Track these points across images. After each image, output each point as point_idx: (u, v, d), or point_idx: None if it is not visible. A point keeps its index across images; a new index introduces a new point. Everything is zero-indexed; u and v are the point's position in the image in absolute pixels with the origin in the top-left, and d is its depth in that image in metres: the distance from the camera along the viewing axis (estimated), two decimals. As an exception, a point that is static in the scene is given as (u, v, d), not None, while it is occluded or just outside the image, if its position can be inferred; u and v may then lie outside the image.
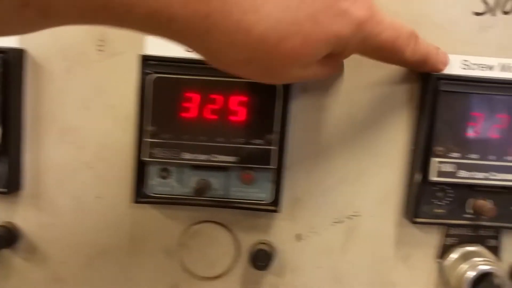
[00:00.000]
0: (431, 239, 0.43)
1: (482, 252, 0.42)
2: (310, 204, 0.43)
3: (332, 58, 0.31)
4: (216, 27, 0.23)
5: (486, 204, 0.40)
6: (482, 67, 0.41)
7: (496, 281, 0.39)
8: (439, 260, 0.43)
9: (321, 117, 0.41)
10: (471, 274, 0.40)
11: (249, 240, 0.43)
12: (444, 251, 0.43)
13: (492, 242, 0.43)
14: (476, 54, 0.41)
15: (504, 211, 0.41)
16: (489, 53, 0.41)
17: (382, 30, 0.31)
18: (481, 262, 0.40)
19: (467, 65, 0.41)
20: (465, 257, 0.42)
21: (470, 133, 0.40)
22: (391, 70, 0.40)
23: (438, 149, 0.40)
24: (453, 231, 0.43)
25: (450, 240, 0.43)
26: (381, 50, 0.33)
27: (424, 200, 0.41)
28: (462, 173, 0.40)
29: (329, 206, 0.43)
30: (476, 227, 0.43)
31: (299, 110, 0.41)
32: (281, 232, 0.43)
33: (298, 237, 0.43)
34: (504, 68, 0.41)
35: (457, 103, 0.40)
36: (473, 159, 0.40)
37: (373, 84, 0.41)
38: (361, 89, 0.41)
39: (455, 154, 0.40)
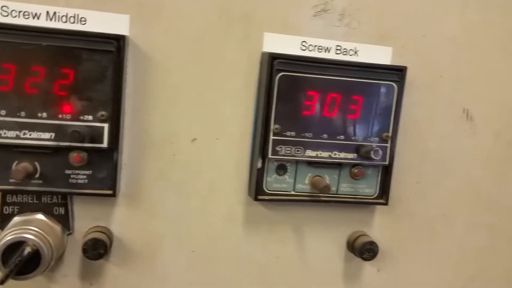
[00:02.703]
0: (-10, 208, 0.39)
1: (34, 220, 0.38)
2: None
3: None
4: None
5: None
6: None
7: (26, 251, 0.35)
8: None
9: None
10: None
11: None
12: (4, 221, 0.39)
13: (61, 210, 0.40)
14: None
15: (52, 175, 0.38)
16: None
17: None
18: (15, 231, 0.36)
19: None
20: (13, 227, 0.37)
21: None
22: None
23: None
24: (13, 198, 0.39)
25: (9, 209, 0.39)
26: None
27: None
28: (-11, 131, 0.36)
29: None
30: (39, 194, 0.39)
31: None
32: None
33: None
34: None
35: None
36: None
37: None
38: None
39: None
